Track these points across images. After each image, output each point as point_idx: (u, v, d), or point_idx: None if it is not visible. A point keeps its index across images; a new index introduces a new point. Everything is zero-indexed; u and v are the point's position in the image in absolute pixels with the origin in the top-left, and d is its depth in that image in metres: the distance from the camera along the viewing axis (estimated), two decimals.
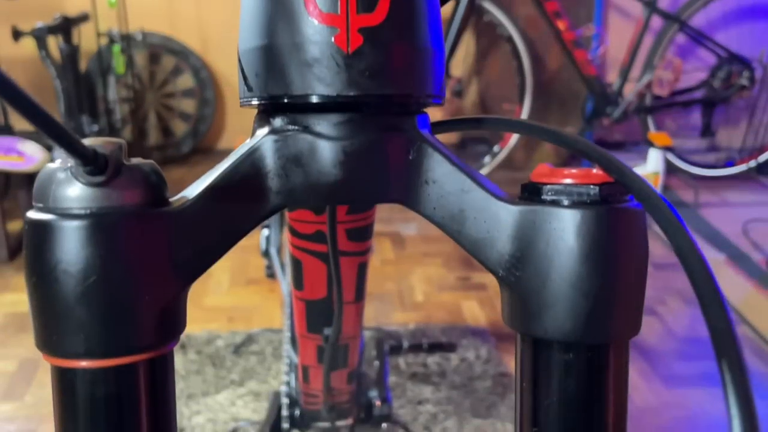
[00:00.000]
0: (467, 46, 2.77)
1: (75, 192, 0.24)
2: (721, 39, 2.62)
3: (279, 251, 1.25)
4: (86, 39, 2.22)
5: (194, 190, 0.26)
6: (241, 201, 0.26)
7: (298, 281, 0.60)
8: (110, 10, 2.22)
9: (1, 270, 1.88)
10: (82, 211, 0.23)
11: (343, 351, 0.70)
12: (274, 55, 0.25)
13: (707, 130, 2.69)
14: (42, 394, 1.31)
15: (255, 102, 0.27)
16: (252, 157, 0.26)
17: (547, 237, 0.25)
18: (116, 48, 2.26)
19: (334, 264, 0.45)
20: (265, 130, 0.27)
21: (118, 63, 2.28)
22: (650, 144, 2.38)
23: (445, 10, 2.41)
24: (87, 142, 0.23)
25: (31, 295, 0.24)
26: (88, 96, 2.29)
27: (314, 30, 0.24)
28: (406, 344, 1.39)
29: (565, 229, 0.25)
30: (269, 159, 0.26)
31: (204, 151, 3.01)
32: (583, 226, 0.25)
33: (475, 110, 2.98)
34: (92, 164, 0.23)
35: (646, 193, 0.25)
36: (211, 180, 0.26)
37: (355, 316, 0.65)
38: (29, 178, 2.21)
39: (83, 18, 2.12)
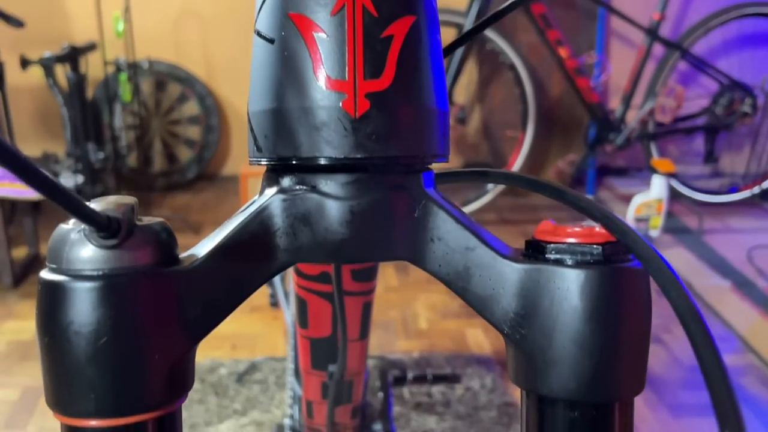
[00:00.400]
0: (470, 74, 2.79)
1: (88, 254, 0.24)
2: (723, 66, 2.64)
3: (282, 280, 1.25)
4: (93, 67, 2.25)
5: (203, 248, 0.27)
6: (250, 259, 0.27)
7: (302, 320, 0.60)
8: (117, 39, 2.25)
9: (6, 297, 1.88)
10: (95, 273, 0.24)
11: (347, 387, 0.70)
12: (283, 119, 0.26)
13: (710, 157, 2.70)
14: (44, 423, 1.30)
15: (264, 162, 0.27)
16: (261, 216, 0.27)
17: (552, 296, 0.25)
18: (123, 76, 2.28)
19: (339, 306, 0.46)
20: (274, 189, 0.27)
21: (125, 91, 2.31)
22: (653, 170, 2.38)
23: (449, 38, 2.43)
24: (99, 205, 0.24)
25: (43, 355, 0.25)
26: (94, 123, 2.31)
27: (322, 95, 0.25)
28: (410, 375, 1.38)
29: (569, 288, 0.25)
30: (278, 218, 0.27)
31: (209, 177, 3.03)
32: (586, 286, 0.25)
33: (478, 136, 2.99)
34: (105, 230, 0.23)
35: (647, 254, 0.25)
36: (221, 239, 0.27)
37: (360, 353, 0.65)
38: (35, 205, 2.23)
39: (90, 47, 2.15)
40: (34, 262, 2.08)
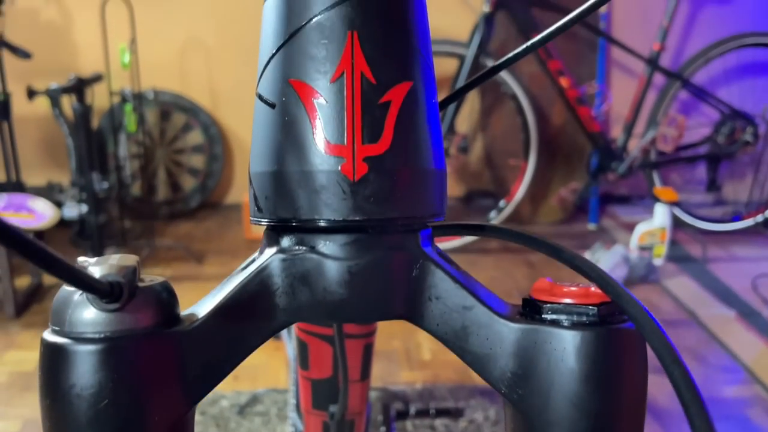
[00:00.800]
0: (472, 103, 2.81)
1: (90, 317, 0.24)
2: (724, 95, 2.66)
3: None
4: (99, 97, 2.27)
5: (203, 307, 0.27)
6: (250, 319, 0.27)
7: (303, 361, 0.61)
8: (123, 70, 2.28)
9: (8, 327, 1.88)
10: (97, 336, 0.24)
11: (348, 426, 0.69)
12: (283, 181, 0.26)
13: (713, 185, 2.70)
14: None
15: (265, 222, 0.28)
16: (261, 276, 0.27)
17: (548, 357, 0.26)
18: (128, 107, 2.30)
19: (340, 350, 0.46)
20: (274, 249, 0.28)
21: (130, 121, 2.33)
22: (656, 199, 2.39)
23: (451, 69, 2.46)
24: (101, 268, 0.24)
25: (44, 416, 0.25)
26: (99, 153, 2.33)
27: (322, 159, 0.26)
28: (412, 410, 1.37)
29: (566, 350, 0.25)
30: (277, 277, 0.27)
31: (212, 206, 3.04)
32: (582, 347, 0.25)
33: (480, 165, 3.00)
34: (107, 296, 0.24)
35: (641, 317, 0.25)
36: (221, 298, 0.27)
37: (361, 393, 0.65)
38: (39, 234, 2.24)
39: (96, 78, 2.17)
40: (37, 292, 2.08)
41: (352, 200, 0.26)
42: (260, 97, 0.27)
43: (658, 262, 2.35)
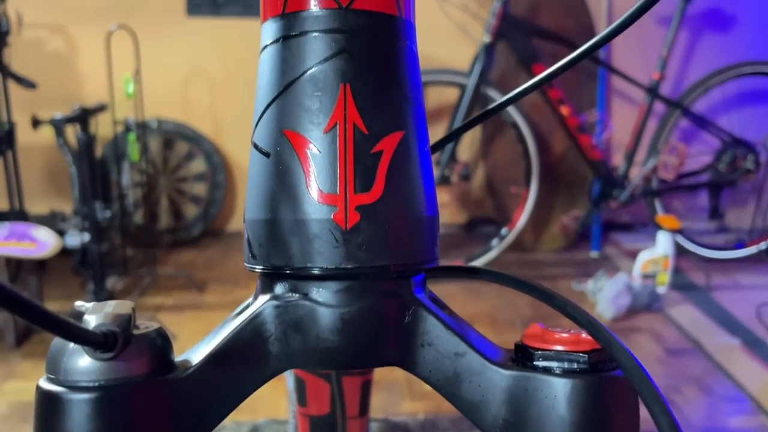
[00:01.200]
0: (473, 131, 2.83)
1: (84, 365, 0.24)
2: (724, 124, 2.67)
3: None
4: (103, 126, 2.29)
5: (197, 353, 0.27)
6: (243, 366, 0.27)
7: (301, 398, 0.60)
8: (127, 100, 2.30)
9: (8, 356, 1.87)
10: (91, 384, 0.24)
11: None
12: (276, 229, 0.27)
13: (715, 213, 2.70)
14: None
15: (258, 269, 0.28)
16: (254, 323, 0.27)
17: (540, 405, 0.26)
18: (131, 136, 2.32)
19: (338, 389, 0.46)
20: (267, 296, 0.28)
21: (133, 150, 2.34)
22: (659, 227, 2.39)
23: (453, 98, 2.48)
24: (96, 318, 0.24)
25: None
26: (102, 181, 2.34)
27: (314, 208, 0.26)
28: None
29: (557, 397, 0.25)
30: (270, 324, 0.27)
31: (214, 234, 3.04)
32: (573, 395, 0.25)
33: (482, 193, 3.01)
34: (102, 347, 0.24)
35: (631, 365, 0.25)
36: (214, 345, 0.27)
37: (360, 429, 0.64)
38: (41, 263, 2.24)
39: (101, 108, 2.19)
40: None
41: (345, 248, 0.26)
42: (255, 146, 0.28)
43: (661, 290, 2.34)
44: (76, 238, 2.22)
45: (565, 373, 0.26)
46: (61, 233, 2.15)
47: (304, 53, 0.26)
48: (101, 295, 2.12)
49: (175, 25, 2.79)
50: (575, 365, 0.26)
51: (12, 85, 2.16)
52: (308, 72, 0.26)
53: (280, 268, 0.27)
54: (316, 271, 0.26)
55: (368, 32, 0.26)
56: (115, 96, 2.25)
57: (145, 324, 0.27)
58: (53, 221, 2.37)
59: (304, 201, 0.26)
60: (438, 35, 2.50)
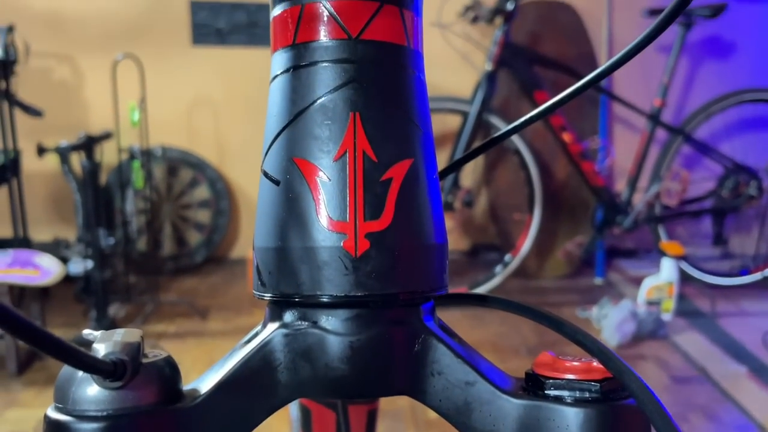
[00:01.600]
0: (476, 158, 2.84)
1: (93, 394, 0.24)
2: (726, 150, 2.68)
3: None
4: (108, 153, 2.31)
5: (206, 382, 0.27)
6: (252, 395, 0.27)
7: (306, 427, 0.60)
8: (132, 128, 2.32)
9: (10, 384, 1.86)
10: (100, 414, 0.24)
11: None
12: (286, 257, 0.27)
13: (719, 239, 2.69)
14: None
15: (267, 297, 0.28)
16: (263, 351, 0.27)
17: None
18: (136, 164, 2.33)
19: (344, 419, 0.45)
20: (276, 324, 0.28)
21: (138, 178, 2.36)
22: (663, 253, 2.38)
23: (455, 125, 2.50)
24: (105, 346, 0.24)
25: None
26: (106, 209, 2.35)
27: (324, 236, 0.26)
28: None
29: (569, 427, 0.25)
30: (279, 353, 0.27)
31: (217, 261, 3.04)
32: (586, 424, 0.25)
33: (485, 219, 3.01)
34: (111, 376, 0.24)
35: (644, 394, 0.25)
36: (223, 374, 0.27)
37: None
38: (44, 290, 2.24)
39: (106, 136, 2.21)
40: None
41: (354, 276, 0.26)
42: (265, 174, 0.28)
43: (666, 317, 2.32)
44: (79, 265, 2.22)
45: (577, 402, 0.26)
46: (64, 260, 2.16)
47: (314, 83, 0.27)
48: (104, 322, 2.11)
49: (181, 54, 2.82)
50: (587, 394, 0.26)
51: (18, 113, 2.18)
52: (318, 101, 0.26)
53: (290, 296, 0.27)
54: (325, 299, 0.26)
55: (377, 62, 0.27)
56: (120, 124, 2.27)
57: (153, 352, 0.27)
58: (57, 248, 2.38)
59: (313, 228, 0.26)
60: (441, 63, 2.53)
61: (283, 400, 0.27)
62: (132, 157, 2.36)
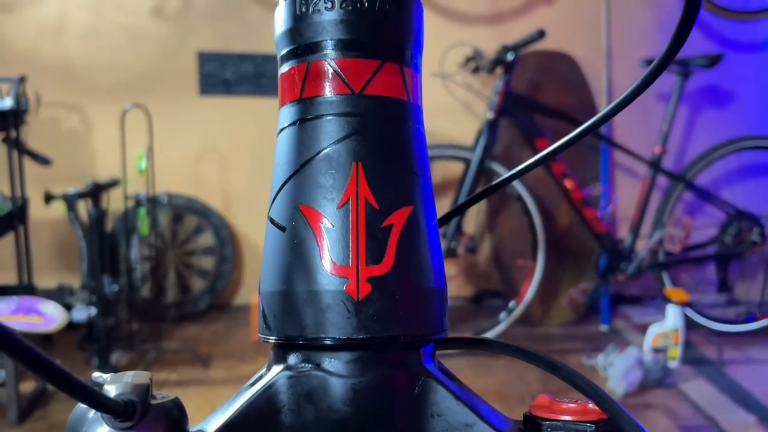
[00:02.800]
0: (479, 204, 2.86)
1: None
2: (728, 196, 2.70)
3: None
4: (114, 201, 2.34)
5: (212, 424, 0.28)
6: None
7: None
8: (139, 175, 2.35)
9: None
10: None
11: None
12: (291, 301, 0.28)
13: (724, 285, 2.68)
14: None
15: (272, 340, 0.29)
16: (267, 393, 0.28)
17: None
18: (142, 211, 2.36)
19: None
20: (280, 366, 0.29)
21: (143, 225, 2.37)
22: (667, 300, 2.37)
23: (458, 171, 2.52)
24: (115, 387, 0.25)
25: None
26: (110, 255, 2.36)
27: (327, 280, 0.27)
28: None
29: None
30: (283, 395, 0.28)
31: (220, 308, 3.03)
32: None
33: (489, 265, 3.01)
34: (122, 416, 0.24)
35: None
36: (228, 416, 0.27)
37: None
38: (46, 337, 2.23)
39: (113, 184, 2.24)
40: (41, 398, 2.05)
41: (356, 319, 0.27)
42: (272, 221, 0.29)
43: (673, 364, 2.30)
44: (82, 313, 2.22)
45: None
46: (68, 307, 2.15)
47: (319, 135, 0.28)
48: (106, 370, 2.10)
49: (188, 104, 2.88)
50: None
51: (27, 161, 2.21)
52: (323, 152, 0.28)
53: (294, 339, 0.28)
54: (328, 342, 0.27)
55: (379, 115, 0.28)
56: (127, 171, 2.30)
57: (161, 394, 0.28)
58: (61, 295, 2.38)
59: (317, 273, 0.27)
60: (443, 112, 2.57)
61: None
62: (138, 204, 2.38)
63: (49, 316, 1.92)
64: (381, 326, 0.27)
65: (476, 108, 2.47)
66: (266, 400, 0.28)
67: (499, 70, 2.40)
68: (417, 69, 0.30)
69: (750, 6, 2.90)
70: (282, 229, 0.28)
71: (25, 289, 2.25)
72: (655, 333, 2.32)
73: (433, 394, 0.28)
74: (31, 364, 0.20)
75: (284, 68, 0.30)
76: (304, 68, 0.29)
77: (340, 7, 0.28)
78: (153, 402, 0.26)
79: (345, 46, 0.28)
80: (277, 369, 0.29)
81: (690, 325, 2.55)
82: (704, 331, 2.66)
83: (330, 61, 0.28)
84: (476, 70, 2.45)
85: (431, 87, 2.64)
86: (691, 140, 3.05)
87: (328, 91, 0.28)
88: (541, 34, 2.31)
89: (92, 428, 0.25)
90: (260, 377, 0.29)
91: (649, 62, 2.62)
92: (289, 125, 0.29)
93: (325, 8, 0.28)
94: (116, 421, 0.25)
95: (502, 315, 2.54)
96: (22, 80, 2.18)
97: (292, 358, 0.28)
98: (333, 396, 0.27)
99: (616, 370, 2.15)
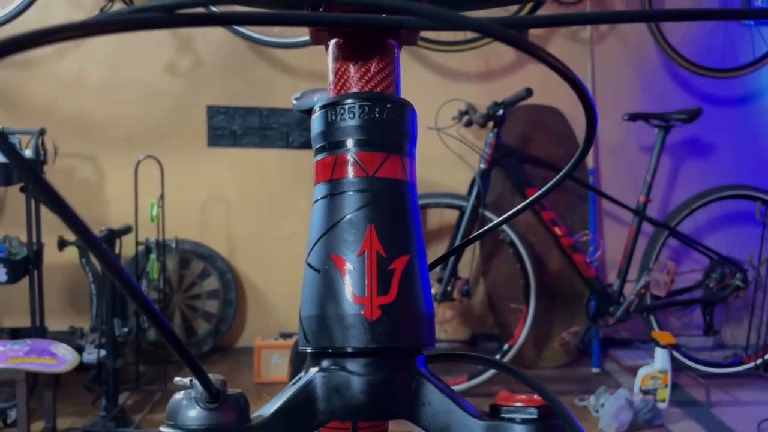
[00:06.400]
0: (473, 250, 2.98)
1: (194, 414, 0.36)
2: (711, 243, 2.82)
3: None
4: (125, 246, 2.44)
5: (267, 410, 0.39)
6: (299, 418, 0.39)
7: None
8: (150, 222, 2.47)
9: None
10: (200, 428, 0.36)
11: None
12: (324, 321, 0.40)
13: (710, 329, 2.78)
14: None
15: (310, 350, 0.40)
16: (307, 388, 0.39)
17: None
18: (153, 256, 2.46)
19: None
20: (316, 368, 0.40)
21: (153, 269, 2.48)
22: (656, 343, 2.47)
23: (453, 219, 2.65)
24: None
25: None
26: (120, 299, 2.46)
27: (350, 306, 0.39)
28: None
29: None
30: (318, 389, 0.40)
31: (223, 350, 3.11)
32: None
33: (483, 309, 3.11)
34: (215, 396, 0.36)
35: (565, 415, 0.37)
36: (278, 404, 0.39)
37: None
38: (56, 378, 2.31)
39: (126, 230, 2.35)
40: None
41: (371, 334, 0.39)
42: (309, 265, 0.41)
43: (662, 406, 2.38)
44: (93, 354, 2.31)
45: (523, 422, 0.38)
46: (78, 349, 2.24)
47: (344, 205, 0.40)
48: (113, 411, 2.18)
49: (197, 155, 3.03)
50: (530, 416, 0.38)
51: (43, 209, 2.33)
52: (346, 217, 0.40)
53: (325, 348, 0.39)
54: (350, 350, 0.39)
55: (386, 191, 0.40)
56: (139, 219, 2.42)
57: (230, 390, 0.39)
58: (72, 337, 2.47)
59: (343, 301, 0.39)
60: (438, 162, 2.71)
61: (321, 423, 0.39)
62: (148, 249, 2.49)
63: (62, 358, 2.01)
64: (388, 339, 0.39)
65: (470, 159, 2.61)
66: (306, 392, 0.39)
67: (490, 124, 2.54)
68: (412, 156, 0.43)
69: (726, 64, 3.08)
70: (317, 271, 0.40)
71: (37, 331, 2.34)
72: (644, 375, 2.41)
73: (424, 389, 0.40)
74: (167, 336, 0.32)
75: (319, 157, 0.42)
76: (333, 158, 0.41)
77: (359, 117, 0.40)
78: (229, 392, 0.38)
79: (362, 144, 0.41)
80: (313, 370, 0.40)
81: (678, 367, 2.64)
82: (692, 373, 2.75)
83: (352, 154, 0.41)
84: (469, 124, 2.60)
85: (427, 139, 2.78)
86: (675, 189, 3.19)
87: (350, 174, 0.41)
88: (529, 93, 2.46)
89: (187, 410, 0.36)
90: (299, 378, 0.41)
91: (632, 117, 2.78)
92: (322, 198, 0.41)
93: (349, 117, 0.41)
94: (206, 402, 0.36)
95: (497, 357, 2.63)
96: (41, 133, 2.31)
97: (325, 363, 0.40)
98: (354, 389, 0.39)
99: (607, 411, 2.24)
